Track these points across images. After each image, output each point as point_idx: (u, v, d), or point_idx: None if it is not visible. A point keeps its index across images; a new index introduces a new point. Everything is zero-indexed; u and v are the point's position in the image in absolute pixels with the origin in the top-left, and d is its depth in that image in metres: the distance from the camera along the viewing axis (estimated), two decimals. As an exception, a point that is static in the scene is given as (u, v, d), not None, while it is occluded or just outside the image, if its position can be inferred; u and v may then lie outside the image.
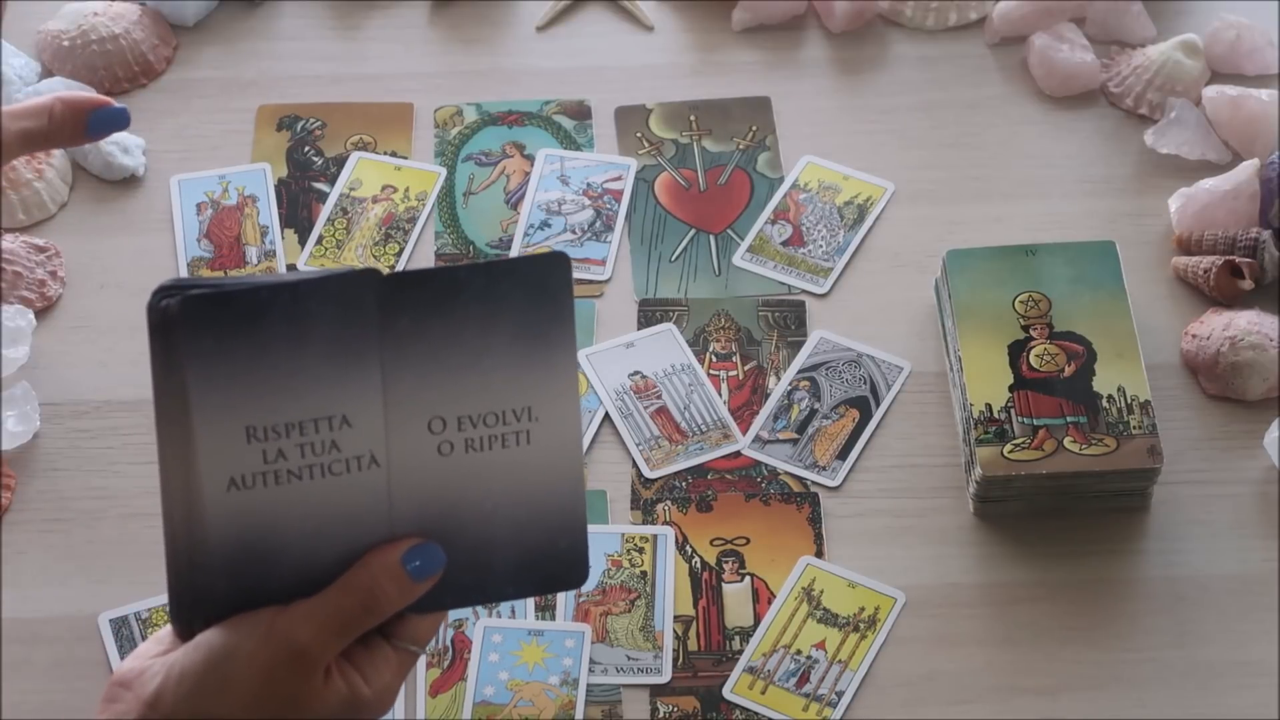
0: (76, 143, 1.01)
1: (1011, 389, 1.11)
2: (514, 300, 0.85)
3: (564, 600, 1.08)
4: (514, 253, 1.24)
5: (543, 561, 0.90)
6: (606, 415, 1.16)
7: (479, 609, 1.07)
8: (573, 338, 0.86)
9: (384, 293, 0.82)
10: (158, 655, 0.85)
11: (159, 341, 0.81)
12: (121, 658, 1.06)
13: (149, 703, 0.83)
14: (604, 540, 1.11)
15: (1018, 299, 1.15)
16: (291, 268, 1.23)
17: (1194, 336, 1.18)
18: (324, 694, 0.84)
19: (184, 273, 1.23)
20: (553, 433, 0.87)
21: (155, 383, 0.82)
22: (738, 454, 1.15)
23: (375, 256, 1.24)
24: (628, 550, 1.10)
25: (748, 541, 1.11)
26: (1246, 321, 1.17)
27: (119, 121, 1.00)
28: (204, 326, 0.79)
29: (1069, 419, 1.10)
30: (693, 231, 1.26)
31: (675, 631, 1.07)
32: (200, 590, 0.84)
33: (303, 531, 0.84)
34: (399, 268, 1.23)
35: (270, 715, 0.83)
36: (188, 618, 0.85)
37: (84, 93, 0.96)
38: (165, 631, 0.87)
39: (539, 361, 0.86)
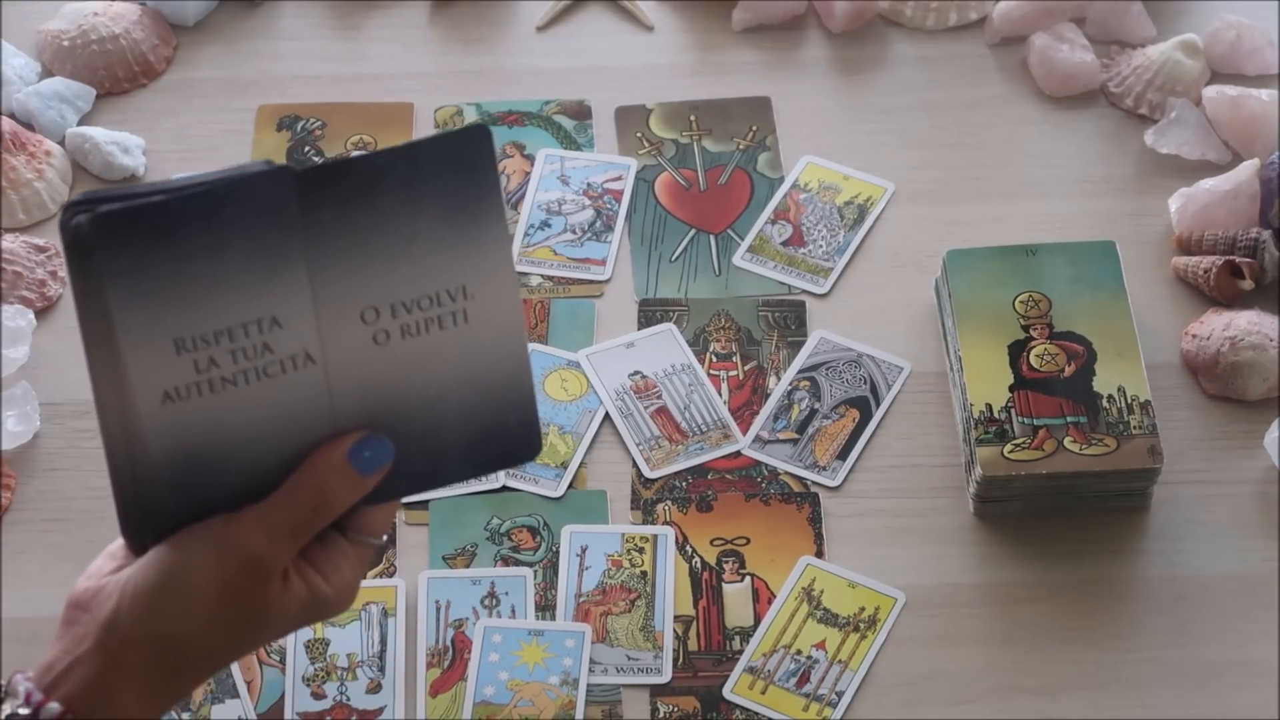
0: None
1: (1011, 389, 1.11)
2: (438, 180, 0.83)
3: (564, 600, 1.08)
4: (514, 252, 1.24)
5: (494, 438, 0.89)
6: (606, 415, 1.16)
7: (479, 608, 1.07)
8: (501, 211, 0.85)
9: (302, 189, 0.81)
10: (111, 573, 0.84)
11: (75, 261, 0.79)
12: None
13: (106, 624, 0.82)
14: (604, 540, 1.11)
15: (1018, 299, 1.15)
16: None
17: (1194, 336, 1.18)
18: (283, 598, 0.84)
19: None
20: (491, 309, 0.86)
21: (77, 302, 0.80)
22: (738, 454, 1.15)
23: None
24: (628, 550, 1.10)
25: (748, 541, 1.11)
26: (1246, 321, 1.17)
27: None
28: (119, 244, 0.78)
29: (1069, 419, 1.10)
30: (693, 231, 1.26)
31: (675, 631, 1.07)
32: (148, 505, 0.83)
33: (244, 437, 0.83)
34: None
35: (231, 626, 0.83)
36: (138, 532, 0.84)
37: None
38: (117, 545, 0.86)
39: (469, 239, 0.84)
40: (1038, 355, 1.13)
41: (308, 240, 0.81)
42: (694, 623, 1.08)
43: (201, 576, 0.83)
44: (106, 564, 0.86)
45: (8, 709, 0.82)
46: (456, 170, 0.84)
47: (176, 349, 0.80)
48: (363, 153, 0.80)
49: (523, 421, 0.89)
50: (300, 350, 0.83)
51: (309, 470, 0.84)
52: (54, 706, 0.81)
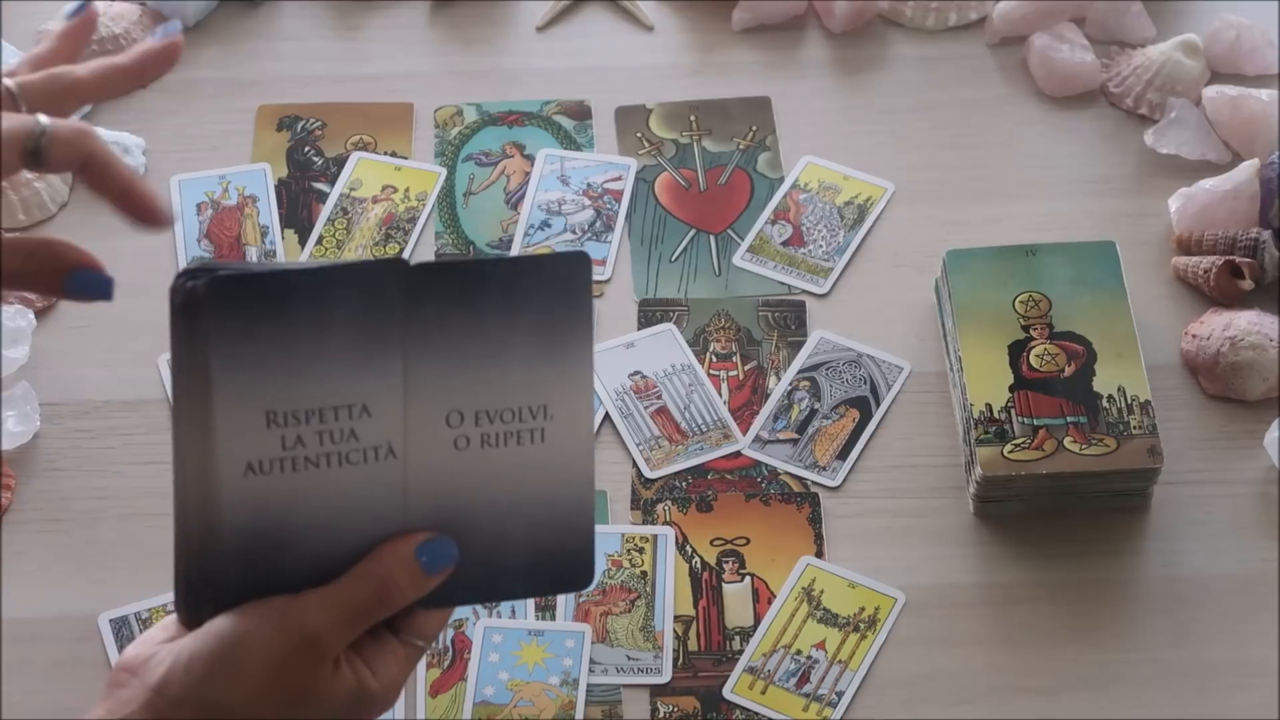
0: (51, 295, 0.88)
1: (1011, 389, 1.11)
2: (536, 296, 0.85)
3: (564, 600, 1.08)
4: (514, 252, 1.24)
5: (551, 562, 0.89)
6: (607, 415, 1.16)
7: (480, 608, 1.07)
8: (590, 338, 0.86)
9: (409, 282, 0.82)
10: (164, 642, 0.85)
11: (182, 322, 0.80)
12: (122, 658, 1.06)
13: (156, 688, 0.83)
14: (604, 540, 1.11)
15: (1018, 299, 1.15)
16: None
17: (1194, 336, 1.18)
18: (333, 684, 0.84)
19: None
20: (567, 432, 0.87)
21: (175, 364, 0.82)
22: (738, 454, 1.15)
23: (376, 256, 1.24)
24: (628, 550, 1.10)
25: (748, 541, 1.11)
26: (1246, 321, 1.17)
27: (99, 290, 0.87)
28: (230, 308, 0.79)
29: (1069, 419, 1.10)
30: (693, 231, 1.26)
31: (675, 631, 1.07)
32: (211, 577, 0.83)
33: (317, 520, 0.84)
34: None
35: (279, 704, 0.83)
36: (197, 605, 0.84)
37: (70, 242, 0.88)
38: (171, 619, 0.86)
39: (557, 360, 0.86)
40: (1038, 355, 1.13)
41: (407, 334, 0.83)
42: (694, 623, 1.08)
43: (258, 648, 0.83)
44: (159, 634, 0.86)
45: None
46: (554, 290, 0.85)
47: (268, 421, 0.81)
48: (472, 256, 0.81)
49: (580, 550, 0.90)
50: (384, 442, 0.84)
51: (376, 560, 0.85)
52: None
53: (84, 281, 0.86)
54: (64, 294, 0.86)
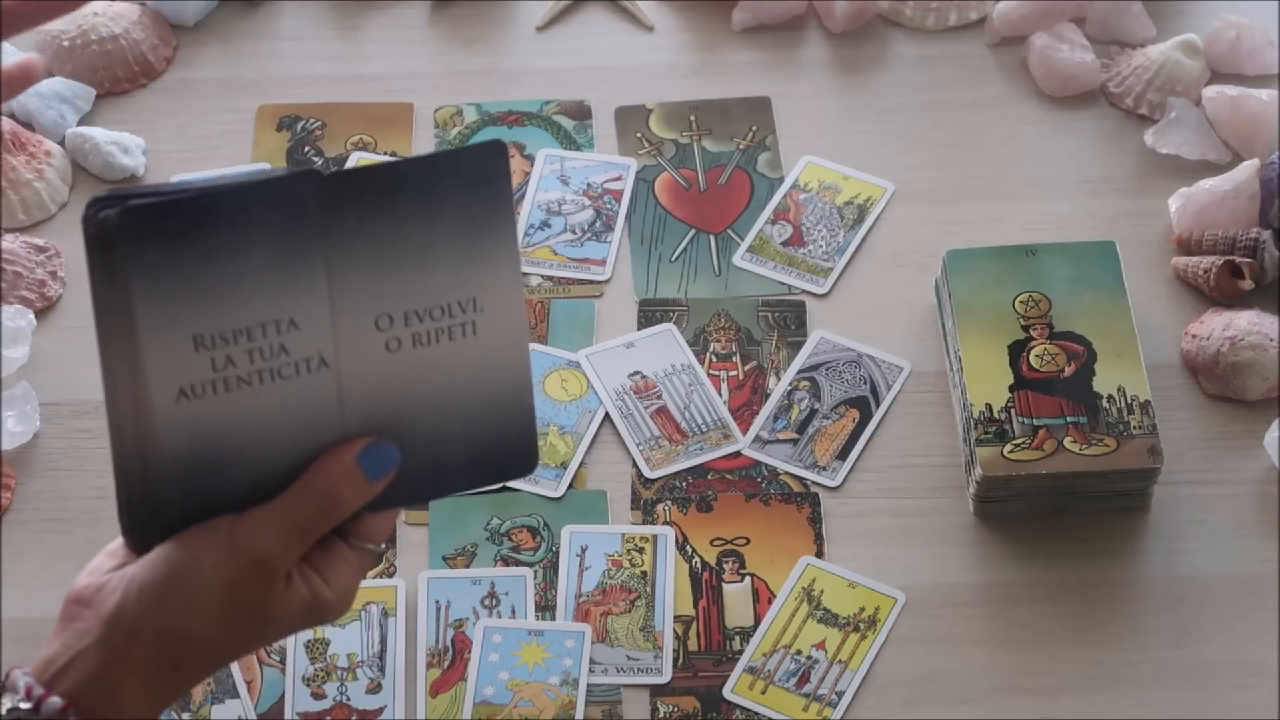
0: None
1: (1011, 389, 1.11)
2: (455, 192, 0.84)
3: (564, 600, 1.08)
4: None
5: (494, 452, 0.89)
6: (606, 415, 1.16)
7: (479, 608, 1.07)
8: (513, 226, 0.86)
9: (326, 192, 0.81)
10: (113, 569, 0.85)
11: (99, 254, 0.79)
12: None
13: (109, 619, 0.82)
14: (604, 540, 1.11)
15: (1018, 299, 1.15)
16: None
17: (1194, 336, 1.18)
18: (287, 599, 0.84)
19: None
20: (498, 323, 0.86)
21: (95, 296, 0.80)
22: (738, 454, 1.15)
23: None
24: (628, 550, 1.10)
25: (748, 541, 1.11)
26: (1246, 321, 1.17)
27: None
28: (147, 237, 0.78)
29: (1069, 419, 1.10)
30: (693, 231, 1.26)
31: (675, 631, 1.07)
32: (154, 503, 0.83)
33: (255, 438, 0.83)
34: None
35: (235, 624, 0.83)
36: (142, 531, 0.84)
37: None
38: (117, 544, 0.86)
39: (482, 252, 0.85)
40: (1038, 355, 1.13)
41: (328, 244, 0.82)
42: (694, 623, 1.08)
43: (209, 573, 0.83)
44: (107, 561, 0.86)
45: (8, 703, 0.82)
46: (473, 184, 0.84)
47: (195, 346, 0.80)
48: (385, 160, 0.80)
49: (522, 436, 0.90)
50: (315, 354, 0.83)
51: (319, 473, 0.85)
52: (55, 701, 0.81)
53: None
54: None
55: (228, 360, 0.81)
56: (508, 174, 0.85)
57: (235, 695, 1.05)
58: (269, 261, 0.81)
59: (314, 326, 0.83)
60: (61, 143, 1.29)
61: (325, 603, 0.86)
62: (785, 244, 1.25)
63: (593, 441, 1.15)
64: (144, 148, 1.29)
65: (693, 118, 1.32)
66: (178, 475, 0.82)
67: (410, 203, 0.83)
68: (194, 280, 0.80)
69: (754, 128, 1.31)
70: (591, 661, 1.06)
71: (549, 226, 1.26)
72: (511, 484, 1.12)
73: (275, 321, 0.82)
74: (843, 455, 1.14)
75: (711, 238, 1.25)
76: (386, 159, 0.82)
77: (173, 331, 0.80)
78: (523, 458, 0.91)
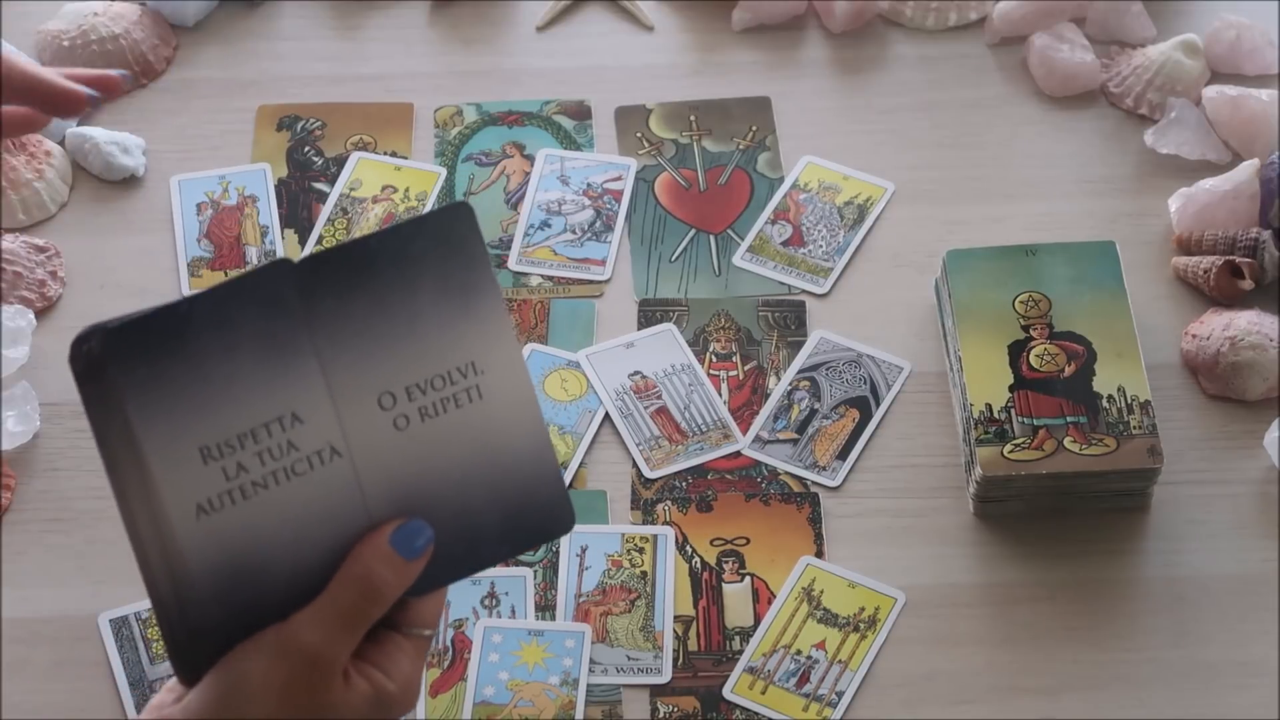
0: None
1: (1011, 389, 1.11)
2: (429, 256, 0.83)
3: (564, 600, 1.08)
4: (513, 252, 1.24)
5: (527, 515, 0.88)
6: (606, 415, 1.16)
7: (479, 608, 1.07)
8: (494, 282, 0.85)
9: (300, 278, 0.80)
10: (172, 704, 0.84)
11: (91, 388, 0.79)
12: (122, 658, 1.06)
13: None
14: (604, 540, 1.11)
15: (1018, 299, 1.15)
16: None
17: (1194, 336, 1.18)
18: (348, 697, 0.83)
19: (184, 273, 1.23)
20: (502, 382, 0.85)
21: (96, 431, 0.80)
22: (738, 454, 1.15)
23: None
24: (628, 550, 1.10)
25: (748, 541, 1.11)
26: (1246, 321, 1.17)
27: (111, 86, 0.94)
28: (132, 356, 0.77)
29: (1069, 419, 1.10)
30: (693, 231, 1.26)
31: (675, 631, 1.07)
32: (196, 627, 0.81)
33: (283, 540, 0.82)
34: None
35: None
36: (190, 660, 0.82)
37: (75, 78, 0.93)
38: (174, 682, 0.84)
39: (470, 313, 0.84)
40: (1038, 355, 1.13)
41: (313, 331, 0.81)
42: (694, 623, 1.08)
43: (260, 682, 0.81)
44: (167, 698, 0.84)
45: None
46: (446, 246, 0.84)
47: (204, 458, 0.79)
48: (351, 239, 0.80)
49: (552, 496, 0.89)
50: (325, 445, 0.82)
51: (355, 561, 0.83)
52: None
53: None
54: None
55: (239, 467, 0.80)
56: (477, 231, 0.84)
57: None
58: (258, 358, 0.80)
59: (318, 417, 0.82)
60: (61, 143, 1.29)
61: (389, 695, 0.84)
62: (785, 244, 1.25)
63: (593, 441, 1.15)
64: (144, 148, 1.29)
65: (693, 118, 1.32)
66: (213, 593, 0.81)
67: (385, 274, 0.82)
68: (188, 390, 0.79)
69: (754, 128, 1.31)
70: (591, 661, 1.06)
71: (549, 226, 1.26)
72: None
73: (278, 419, 0.81)
74: (843, 455, 1.14)
75: (711, 238, 1.25)
76: (354, 239, 0.81)
77: (178, 446, 0.79)
78: (559, 517, 0.89)
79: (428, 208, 1.26)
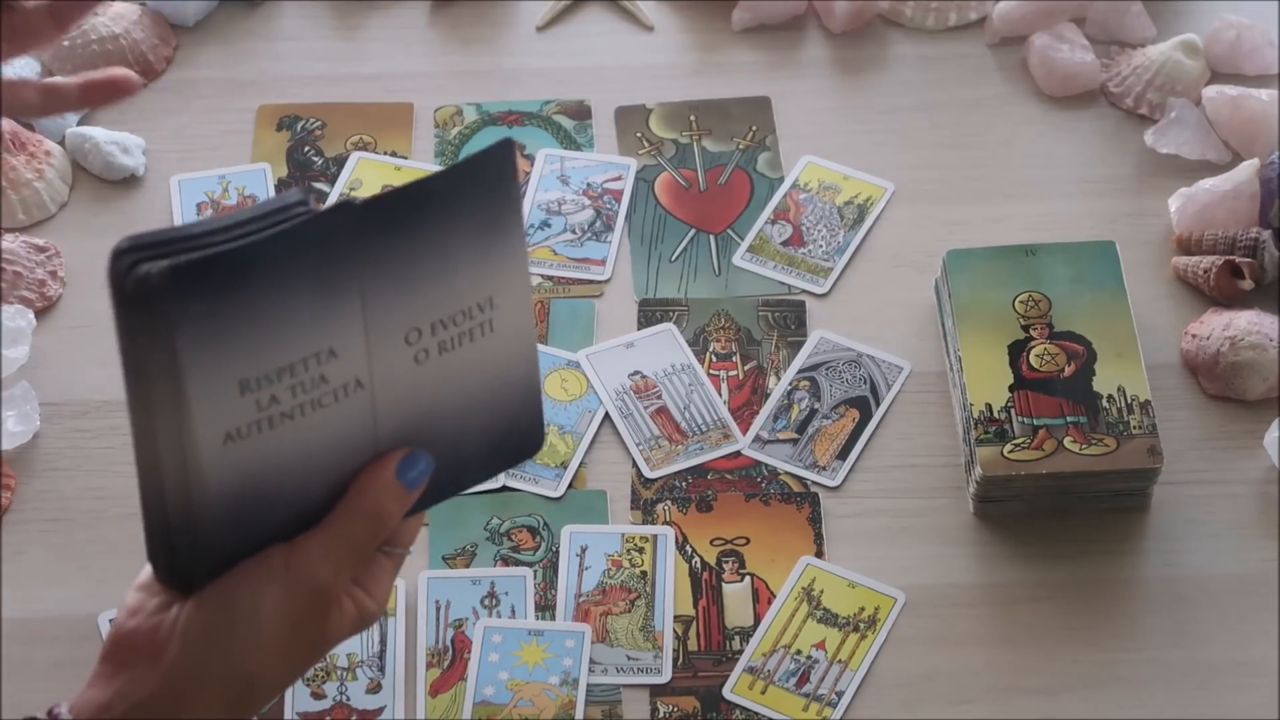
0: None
1: (1011, 389, 1.11)
2: (470, 198, 0.85)
3: (564, 600, 1.08)
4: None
5: (507, 440, 0.91)
6: (606, 415, 1.16)
7: (479, 608, 1.07)
8: (520, 219, 0.87)
9: (359, 222, 0.81)
10: (157, 610, 0.84)
11: (137, 313, 0.78)
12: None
13: (170, 667, 0.82)
14: (604, 540, 1.11)
15: (1018, 299, 1.15)
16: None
17: (1194, 336, 1.18)
18: (339, 621, 0.85)
19: None
20: (510, 315, 0.87)
21: (129, 351, 0.79)
22: (738, 454, 1.15)
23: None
24: (628, 550, 1.10)
25: (748, 541, 1.11)
26: (1246, 321, 1.17)
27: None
28: (192, 292, 0.77)
29: (1069, 419, 1.10)
30: (693, 231, 1.26)
31: (675, 631, 1.07)
32: (202, 544, 0.83)
33: (297, 468, 0.83)
34: None
35: (296, 656, 0.84)
36: (186, 571, 0.83)
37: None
38: (147, 578, 0.85)
39: (495, 249, 0.86)
40: (1038, 355, 1.13)
41: (360, 270, 0.82)
42: (694, 623, 1.08)
43: (272, 611, 0.83)
44: (147, 600, 0.84)
45: None
46: (486, 187, 0.85)
47: (241, 390, 0.80)
48: (410, 181, 0.82)
49: (531, 420, 0.91)
50: (352, 378, 0.84)
51: (363, 494, 0.85)
52: None
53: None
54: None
55: (272, 399, 0.81)
56: (514, 168, 0.86)
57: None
58: (308, 299, 0.81)
59: (351, 352, 0.83)
60: (61, 142, 1.29)
61: (370, 613, 0.87)
62: (785, 244, 1.25)
63: (593, 441, 1.15)
64: (144, 147, 1.29)
65: (693, 118, 1.32)
66: (226, 514, 0.82)
67: (433, 216, 0.84)
68: (239, 328, 0.79)
69: (754, 128, 1.31)
70: (591, 661, 1.06)
71: (549, 226, 1.26)
72: (511, 484, 1.13)
73: (315, 354, 0.82)
74: (843, 455, 1.14)
75: (711, 238, 1.25)
76: (411, 182, 0.83)
77: (219, 380, 0.80)
78: (531, 439, 0.92)
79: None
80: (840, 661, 1.06)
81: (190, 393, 0.79)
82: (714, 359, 1.19)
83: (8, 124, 1.27)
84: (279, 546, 0.84)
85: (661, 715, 1.04)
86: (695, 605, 1.09)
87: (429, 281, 0.84)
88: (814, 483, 1.13)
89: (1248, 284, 1.20)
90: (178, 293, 0.77)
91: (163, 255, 0.78)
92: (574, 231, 1.25)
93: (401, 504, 0.86)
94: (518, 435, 0.91)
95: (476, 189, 0.85)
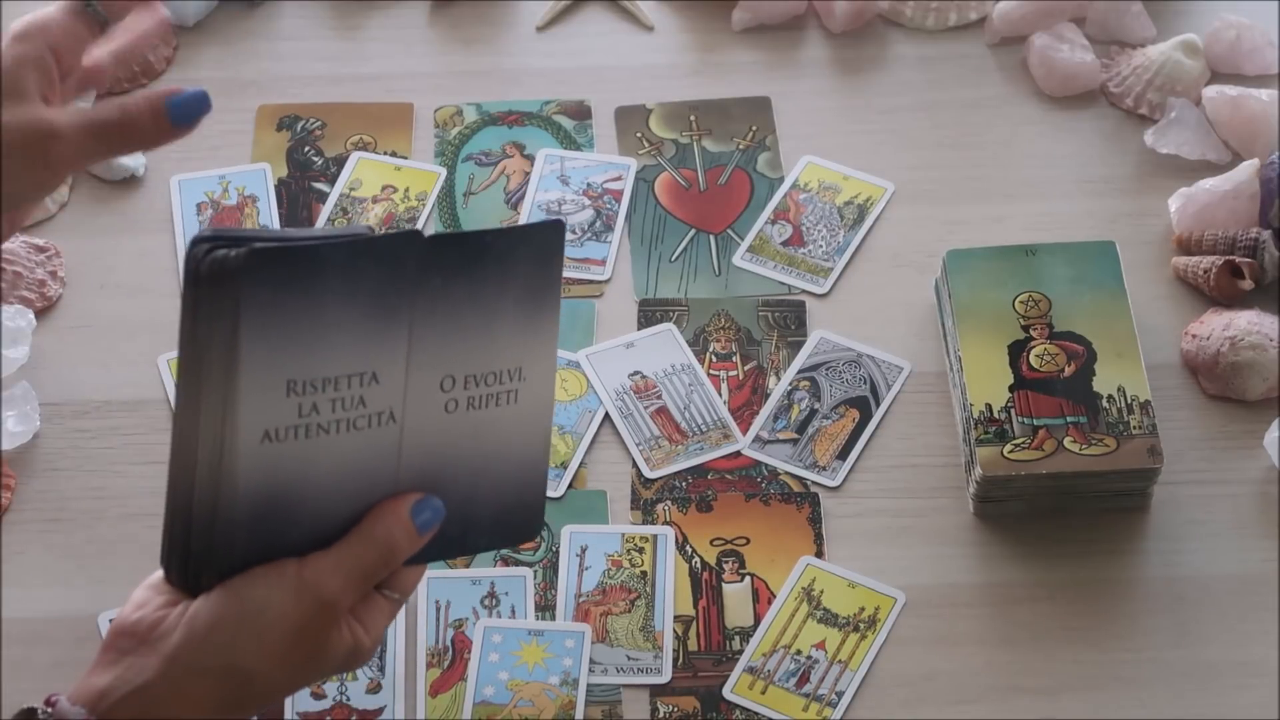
0: (162, 138, 0.93)
1: (1011, 389, 1.11)
2: (523, 264, 0.88)
3: (564, 600, 1.08)
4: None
5: (511, 515, 0.93)
6: (606, 415, 1.16)
7: (479, 608, 1.07)
8: (558, 299, 0.90)
9: (424, 252, 0.84)
10: (163, 605, 0.85)
11: (209, 292, 0.81)
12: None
13: (171, 655, 0.83)
14: (604, 540, 1.11)
15: (1018, 299, 1.15)
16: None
17: (1194, 336, 1.18)
18: (337, 643, 0.87)
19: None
20: (535, 391, 0.90)
21: (194, 336, 0.82)
22: (738, 454, 1.15)
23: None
24: (628, 550, 1.10)
25: (748, 541, 1.11)
26: (1246, 321, 1.17)
27: (200, 104, 0.93)
28: (264, 279, 0.80)
29: (1069, 419, 1.10)
30: (693, 231, 1.26)
31: (675, 631, 1.07)
32: (218, 544, 0.84)
33: (322, 485, 0.85)
34: None
35: (295, 664, 0.85)
36: (196, 571, 0.85)
37: (160, 94, 0.94)
38: (156, 578, 0.87)
39: (534, 322, 0.89)
40: (1038, 355, 1.13)
41: (415, 302, 0.85)
42: (694, 623, 1.08)
43: (278, 613, 0.84)
44: (153, 596, 0.86)
45: None
46: (538, 257, 0.89)
47: (288, 390, 0.83)
48: (472, 229, 0.85)
49: (533, 504, 0.94)
50: (387, 408, 0.86)
51: (379, 522, 0.88)
52: None
53: (184, 105, 0.90)
54: (174, 127, 0.92)
55: (314, 407, 0.84)
56: (563, 249, 0.90)
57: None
58: (366, 315, 0.84)
59: (391, 382, 0.86)
60: (61, 143, 1.29)
61: (363, 648, 0.89)
62: (785, 244, 1.25)
63: (593, 441, 1.15)
64: (144, 148, 1.29)
65: (693, 118, 1.32)
66: (248, 517, 0.84)
67: (487, 270, 0.86)
68: (298, 325, 0.82)
69: (754, 128, 1.31)
70: (591, 661, 1.06)
71: (549, 226, 1.26)
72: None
73: (361, 374, 0.85)
74: (843, 455, 1.14)
75: (711, 238, 1.25)
76: (474, 230, 0.87)
77: (270, 373, 0.82)
78: (531, 524, 0.95)
79: (427, 207, 1.26)
80: (840, 661, 1.06)
81: (242, 378, 0.81)
82: (714, 359, 1.19)
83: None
84: (292, 558, 0.86)
85: (661, 715, 1.04)
86: (695, 605, 1.09)
87: (472, 332, 0.87)
88: (814, 483, 1.13)
89: (1248, 284, 1.20)
90: (250, 275, 0.80)
91: (239, 247, 0.81)
92: (574, 231, 1.25)
93: (411, 543, 0.88)
94: (519, 515, 0.94)
95: (529, 256, 0.88)
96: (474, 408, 0.89)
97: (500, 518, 0.93)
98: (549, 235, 0.89)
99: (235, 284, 0.80)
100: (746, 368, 1.19)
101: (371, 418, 0.86)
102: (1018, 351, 1.13)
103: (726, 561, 1.10)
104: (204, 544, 0.85)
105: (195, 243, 0.81)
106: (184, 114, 0.91)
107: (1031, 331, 1.13)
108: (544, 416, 0.92)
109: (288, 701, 1.04)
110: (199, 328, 0.82)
